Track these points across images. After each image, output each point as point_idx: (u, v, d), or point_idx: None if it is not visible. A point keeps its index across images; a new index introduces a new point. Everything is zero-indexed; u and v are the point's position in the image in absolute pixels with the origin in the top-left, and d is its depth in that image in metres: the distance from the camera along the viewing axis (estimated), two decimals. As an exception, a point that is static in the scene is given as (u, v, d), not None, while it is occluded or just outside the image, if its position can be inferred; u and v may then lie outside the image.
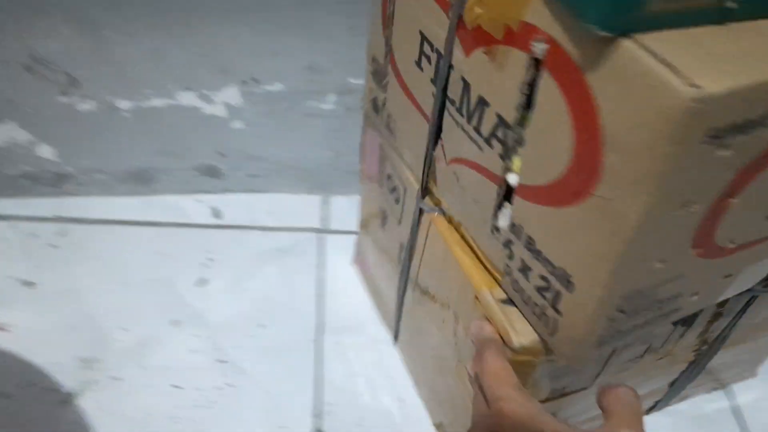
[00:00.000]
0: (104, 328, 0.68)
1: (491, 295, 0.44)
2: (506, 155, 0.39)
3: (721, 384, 0.69)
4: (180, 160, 0.78)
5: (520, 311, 0.43)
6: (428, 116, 0.46)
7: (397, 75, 0.49)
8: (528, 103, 0.35)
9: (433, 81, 0.44)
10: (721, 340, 0.56)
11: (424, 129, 0.47)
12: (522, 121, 0.37)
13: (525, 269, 0.41)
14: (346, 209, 0.81)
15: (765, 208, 0.37)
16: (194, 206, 0.80)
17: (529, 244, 0.39)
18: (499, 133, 0.39)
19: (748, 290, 0.46)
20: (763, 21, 0.32)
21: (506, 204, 0.41)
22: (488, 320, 0.44)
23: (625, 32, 0.29)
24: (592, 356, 0.41)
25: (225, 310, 0.71)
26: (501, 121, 0.38)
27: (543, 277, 0.39)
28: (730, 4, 0.30)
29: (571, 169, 0.34)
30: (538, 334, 0.42)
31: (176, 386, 0.65)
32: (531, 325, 0.42)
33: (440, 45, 0.41)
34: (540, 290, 0.40)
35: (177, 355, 0.67)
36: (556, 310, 0.39)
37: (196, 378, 0.65)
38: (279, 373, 0.66)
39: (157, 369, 0.66)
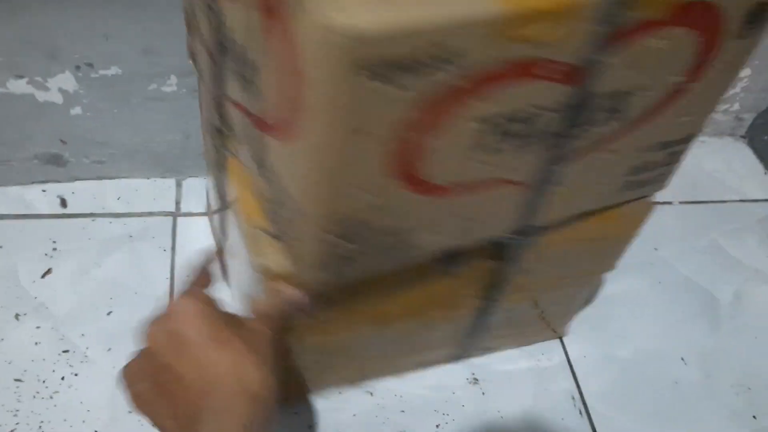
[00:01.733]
0: None
1: (248, 221, 0.48)
2: (247, 90, 0.41)
3: (528, 340, 0.72)
4: (19, 149, 0.76)
5: (279, 241, 0.46)
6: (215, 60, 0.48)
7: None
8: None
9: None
10: (498, 288, 0.58)
11: (212, 72, 0.49)
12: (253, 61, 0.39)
13: (275, 201, 0.44)
14: (200, 191, 0.81)
15: (478, 150, 0.40)
16: (40, 196, 0.78)
17: (274, 176, 0.42)
18: (244, 70, 0.41)
19: (507, 238, 0.51)
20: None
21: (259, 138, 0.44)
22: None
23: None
24: (324, 279, 0.45)
25: (70, 299, 0.70)
26: (243, 56, 0.41)
27: (282, 206, 0.42)
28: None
29: (284, 104, 0.37)
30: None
31: (18, 380, 0.63)
32: (281, 253, 0.46)
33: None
34: (285, 221, 0.43)
35: (19, 349, 0.66)
36: (292, 237, 0.43)
37: (38, 370, 0.64)
38: (127, 359, 0.66)
39: (1, 363, 0.64)
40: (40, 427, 0.61)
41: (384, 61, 0.31)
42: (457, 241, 0.48)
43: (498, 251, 0.54)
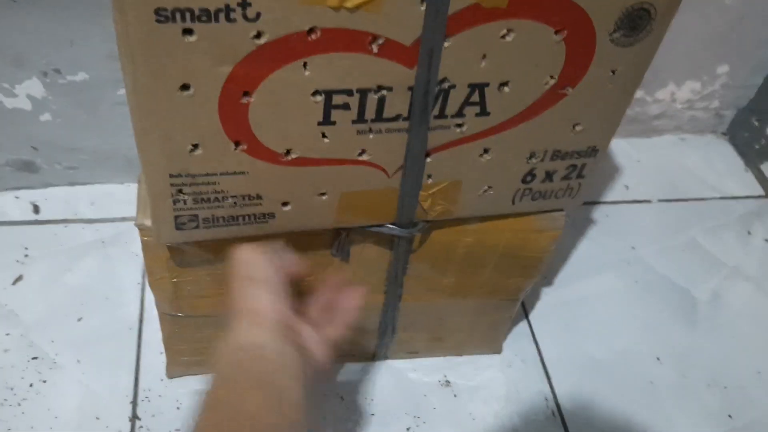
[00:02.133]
0: None
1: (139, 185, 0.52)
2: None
3: (459, 351, 0.72)
4: (-10, 155, 0.76)
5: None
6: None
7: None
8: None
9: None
10: (397, 283, 0.59)
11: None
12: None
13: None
14: (174, 196, 0.80)
15: (327, 126, 0.42)
16: (12, 203, 0.78)
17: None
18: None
19: (386, 228, 0.51)
20: None
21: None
22: None
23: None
24: (177, 237, 0.47)
25: (40, 306, 0.70)
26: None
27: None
28: None
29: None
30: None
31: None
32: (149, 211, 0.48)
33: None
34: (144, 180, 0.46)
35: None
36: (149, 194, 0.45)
37: (6, 377, 0.64)
38: (96, 364, 0.66)
39: None
40: (7, 434, 0.61)
41: (174, 5, 0.34)
42: (323, 223, 0.49)
43: (388, 243, 0.55)
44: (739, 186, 0.95)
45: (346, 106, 0.41)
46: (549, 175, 0.50)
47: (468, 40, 0.40)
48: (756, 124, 0.97)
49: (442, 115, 0.43)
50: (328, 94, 0.40)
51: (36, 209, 0.78)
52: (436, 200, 0.50)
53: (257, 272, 0.44)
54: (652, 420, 0.69)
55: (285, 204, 0.47)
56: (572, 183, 0.52)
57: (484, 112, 0.44)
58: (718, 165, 0.98)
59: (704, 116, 0.99)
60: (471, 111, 0.44)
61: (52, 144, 0.76)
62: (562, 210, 0.56)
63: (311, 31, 0.37)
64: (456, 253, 0.58)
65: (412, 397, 0.68)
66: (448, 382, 0.70)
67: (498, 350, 0.73)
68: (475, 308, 0.66)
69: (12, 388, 0.63)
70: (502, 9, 0.38)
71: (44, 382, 0.64)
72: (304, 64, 0.38)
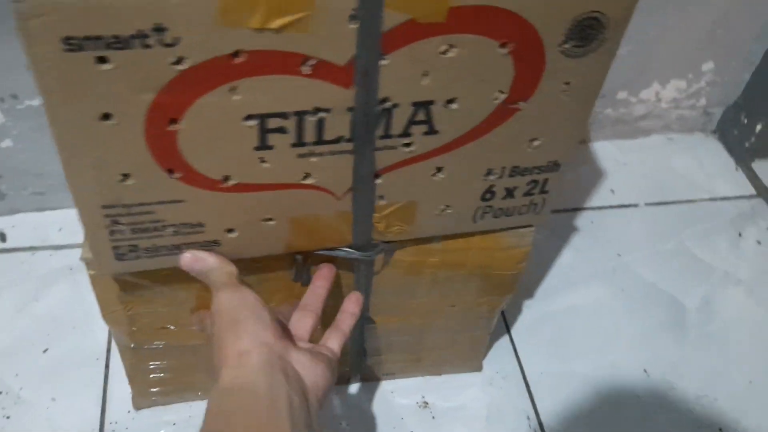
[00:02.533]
0: None
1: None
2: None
3: (438, 370, 0.70)
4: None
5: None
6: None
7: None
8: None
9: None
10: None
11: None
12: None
13: None
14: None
15: (265, 150, 0.40)
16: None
17: None
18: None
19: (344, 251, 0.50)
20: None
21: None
22: None
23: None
24: (119, 268, 0.45)
25: (6, 337, 0.68)
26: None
27: None
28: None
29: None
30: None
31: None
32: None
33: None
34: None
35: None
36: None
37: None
38: (63, 396, 0.64)
39: None
40: (-31, 473, 0.59)
41: (82, 33, 0.32)
42: (273, 248, 0.47)
43: (350, 266, 0.53)
44: (730, 186, 0.93)
45: (282, 130, 0.39)
46: (510, 192, 0.48)
47: (407, 58, 0.37)
48: (745, 121, 0.94)
49: (387, 135, 0.41)
50: (262, 118, 0.38)
51: (2, 237, 0.76)
52: (392, 221, 0.48)
53: (238, 313, 0.43)
54: (641, 436, 0.67)
55: (230, 231, 0.45)
56: (535, 198, 0.50)
57: (432, 131, 0.42)
58: (707, 165, 0.95)
59: (692, 115, 0.97)
60: (418, 130, 0.42)
61: (16, 170, 0.74)
62: (530, 226, 0.53)
63: (236, 54, 0.35)
64: (423, 273, 0.55)
65: (388, 420, 0.66)
66: (426, 403, 0.68)
67: (478, 368, 0.71)
68: (450, 327, 0.64)
69: (-26, 425, 0.62)
70: (440, 24, 0.36)
71: (8, 418, 0.63)
72: (232, 89, 0.36)
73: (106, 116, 0.36)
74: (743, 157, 0.95)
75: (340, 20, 0.35)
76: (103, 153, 0.38)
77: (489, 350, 0.71)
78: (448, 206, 0.48)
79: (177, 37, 0.33)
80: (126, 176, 0.39)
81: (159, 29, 0.33)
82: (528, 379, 0.70)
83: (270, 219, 0.45)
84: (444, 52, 0.38)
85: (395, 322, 0.61)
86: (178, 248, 0.45)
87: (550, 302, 0.77)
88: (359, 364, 0.66)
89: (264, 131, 0.39)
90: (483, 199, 0.48)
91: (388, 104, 0.40)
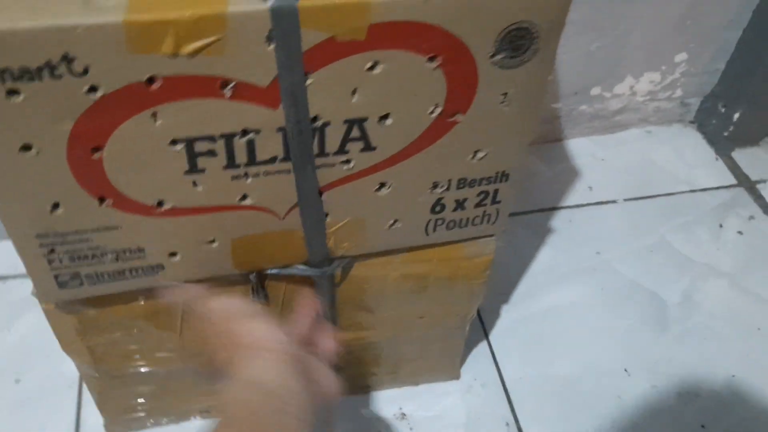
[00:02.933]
0: None
1: None
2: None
3: (415, 380, 0.69)
4: None
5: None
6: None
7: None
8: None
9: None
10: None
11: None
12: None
13: None
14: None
15: (197, 174, 0.40)
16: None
17: None
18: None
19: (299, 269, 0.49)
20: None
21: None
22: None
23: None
24: (64, 296, 0.45)
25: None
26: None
27: None
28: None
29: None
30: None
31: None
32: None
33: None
34: None
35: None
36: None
37: None
38: (35, 427, 0.64)
39: None
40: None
41: None
42: (221, 270, 0.47)
43: (310, 282, 0.52)
44: (710, 176, 0.91)
45: (212, 153, 0.39)
46: (460, 204, 0.47)
47: (332, 76, 0.37)
48: (722, 110, 0.93)
49: (323, 153, 0.41)
50: (189, 142, 0.38)
51: (-26, 266, 0.76)
52: (341, 238, 0.47)
53: (245, 307, 0.41)
54: (622, 436, 0.66)
55: (172, 254, 0.44)
56: (488, 209, 0.49)
57: (369, 147, 0.41)
58: (687, 156, 0.94)
59: (669, 106, 0.95)
60: (355, 147, 0.41)
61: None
62: (491, 235, 0.53)
63: (151, 80, 0.34)
64: (386, 287, 0.55)
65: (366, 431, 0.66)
66: (404, 414, 0.67)
67: (456, 376, 0.70)
68: (422, 338, 0.63)
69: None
70: (360, 41, 0.35)
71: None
72: (153, 114, 0.36)
73: (26, 147, 0.36)
74: (723, 147, 0.94)
75: (256, 42, 0.34)
76: (29, 183, 0.38)
77: (467, 357, 0.71)
78: (396, 220, 0.47)
79: (87, 66, 0.33)
80: (56, 206, 0.39)
81: (67, 59, 0.32)
82: (507, 384, 0.69)
83: (213, 241, 0.44)
84: (370, 69, 0.37)
85: (365, 337, 0.60)
86: (122, 274, 0.44)
87: (529, 304, 0.76)
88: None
89: (193, 155, 0.39)
90: (433, 211, 0.47)
91: (319, 123, 0.39)
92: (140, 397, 0.60)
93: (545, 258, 0.81)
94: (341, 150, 0.41)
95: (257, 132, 0.38)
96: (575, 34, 0.81)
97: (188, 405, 0.64)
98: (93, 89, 0.34)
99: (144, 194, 0.40)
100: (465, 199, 0.47)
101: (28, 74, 0.33)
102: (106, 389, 0.58)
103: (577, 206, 0.87)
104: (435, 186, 0.45)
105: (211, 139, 0.38)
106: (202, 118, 0.37)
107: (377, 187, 0.44)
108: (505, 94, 0.41)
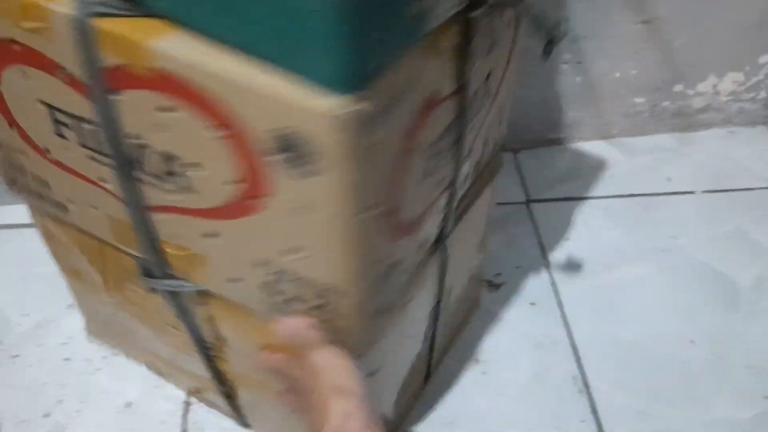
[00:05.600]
0: (8, 315, 0.77)
1: None
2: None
3: None
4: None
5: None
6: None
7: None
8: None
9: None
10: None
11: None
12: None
13: None
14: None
15: (36, 121, 0.44)
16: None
17: None
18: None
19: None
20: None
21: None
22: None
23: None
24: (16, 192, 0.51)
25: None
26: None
27: None
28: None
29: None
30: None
31: (67, 359, 0.73)
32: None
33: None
34: None
35: (70, 333, 0.75)
36: None
37: (84, 350, 0.74)
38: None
39: (52, 346, 0.74)
40: (83, 397, 0.69)
41: None
42: (105, 235, 0.51)
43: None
44: (791, 176, 0.94)
45: (68, 126, 0.43)
46: (298, 299, 0.43)
47: (137, 102, 0.37)
48: (807, 113, 0.95)
49: (147, 171, 0.41)
50: (51, 109, 0.42)
51: None
52: (184, 266, 0.47)
53: (344, 381, 0.40)
54: (684, 398, 0.70)
55: (69, 201, 0.50)
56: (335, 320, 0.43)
57: (191, 190, 0.40)
58: (767, 155, 0.97)
59: (752, 108, 0.98)
60: (179, 181, 0.40)
61: None
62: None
63: (13, 41, 0.39)
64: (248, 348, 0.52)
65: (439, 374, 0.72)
66: (477, 360, 0.73)
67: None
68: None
69: (89, 360, 0.73)
70: (154, 79, 0.35)
71: (116, 355, 0.73)
72: (24, 73, 0.41)
73: None
74: (807, 149, 0.96)
75: (71, 42, 0.37)
76: None
77: (538, 318, 0.77)
78: (238, 278, 0.45)
79: None
80: None
81: None
82: (575, 343, 0.75)
83: (94, 206, 0.48)
84: (165, 111, 0.37)
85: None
86: (40, 197, 0.51)
87: (600, 276, 0.81)
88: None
89: (56, 121, 0.43)
90: (267, 292, 0.44)
91: (137, 141, 0.40)
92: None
93: (620, 238, 0.86)
94: (163, 176, 0.41)
95: (92, 123, 0.41)
96: (659, 29, 0.86)
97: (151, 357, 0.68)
98: None
99: (35, 136, 0.45)
100: (299, 297, 0.43)
101: None
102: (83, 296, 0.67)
103: (655, 194, 0.91)
104: (264, 264, 0.42)
105: (66, 114, 0.42)
106: (53, 92, 0.41)
107: (210, 233, 0.43)
108: (295, 205, 0.37)
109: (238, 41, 0.33)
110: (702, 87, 0.94)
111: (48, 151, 0.45)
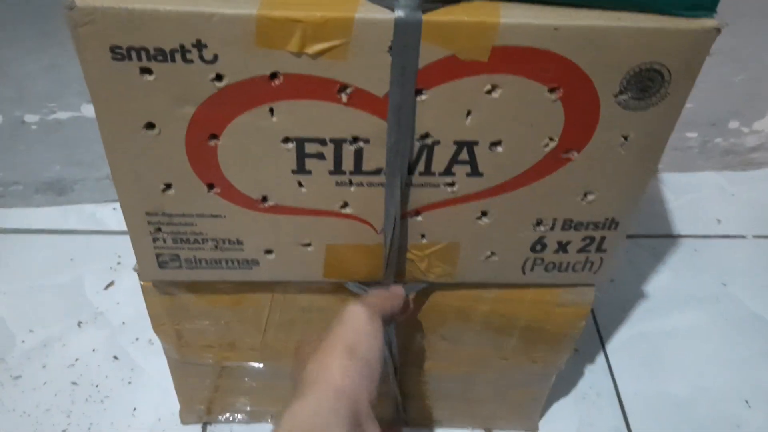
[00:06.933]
0: (12, 330, 0.72)
1: None
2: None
3: (487, 423, 0.67)
4: (93, 169, 0.81)
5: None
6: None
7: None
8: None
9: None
10: (398, 347, 0.55)
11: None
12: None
13: None
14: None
15: (303, 175, 0.41)
16: (111, 214, 0.84)
17: None
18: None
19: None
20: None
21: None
22: None
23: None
24: (161, 275, 0.47)
25: (128, 310, 0.74)
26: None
27: None
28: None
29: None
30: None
31: (74, 383, 0.68)
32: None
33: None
34: None
35: (78, 354, 0.70)
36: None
37: (93, 375, 0.68)
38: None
39: (57, 367, 0.69)
40: (89, 428, 0.64)
41: (126, 43, 0.34)
42: (311, 275, 0.47)
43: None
44: None
45: (320, 156, 0.40)
46: (562, 246, 0.46)
47: (448, 94, 0.37)
48: None
49: (429, 171, 0.41)
50: (300, 142, 0.39)
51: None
52: (434, 262, 0.47)
53: (361, 346, 0.41)
54: (739, 467, 0.65)
55: (268, 252, 0.45)
56: (592, 257, 0.47)
57: (476, 173, 0.41)
58: (822, 201, 0.92)
59: (809, 150, 0.93)
60: (461, 170, 0.41)
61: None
62: (591, 284, 0.50)
63: (274, 76, 0.36)
64: (471, 320, 0.53)
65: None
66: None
67: (534, 428, 0.67)
68: (501, 381, 0.61)
69: (96, 386, 0.67)
70: (483, 63, 0.35)
71: (125, 381, 0.68)
72: (271, 110, 0.37)
73: (149, 125, 0.38)
74: None
75: (377, 51, 0.35)
76: (147, 161, 0.40)
77: (583, 368, 0.71)
78: (493, 253, 0.46)
79: (216, 54, 0.35)
80: (168, 186, 0.41)
81: (199, 45, 0.34)
82: (622, 398, 0.69)
83: (309, 244, 0.45)
84: (488, 92, 0.37)
85: (441, 369, 0.59)
86: (219, 263, 0.46)
87: (648, 323, 0.76)
88: (402, 408, 0.64)
89: (302, 155, 0.40)
90: (533, 250, 0.46)
91: (428, 140, 0.39)
92: (217, 390, 0.62)
93: (667, 282, 0.81)
94: (447, 171, 0.41)
95: (366, 141, 0.39)
96: (718, 63, 0.81)
97: (263, 407, 0.64)
98: (219, 77, 0.36)
99: (251, 187, 0.41)
100: (568, 242, 0.46)
101: (162, 55, 0.35)
102: (185, 375, 0.60)
103: (704, 236, 0.86)
104: (539, 223, 0.44)
105: (322, 141, 0.39)
106: (317, 120, 0.38)
107: (479, 215, 0.44)
108: (626, 137, 0.39)
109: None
110: (758, 125, 0.89)
111: (265, 199, 0.42)
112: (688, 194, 0.91)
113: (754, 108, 0.88)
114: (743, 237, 0.86)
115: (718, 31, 0.36)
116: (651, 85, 0.37)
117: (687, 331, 0.75)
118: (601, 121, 0.39)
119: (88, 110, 0.75)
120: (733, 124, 0.89)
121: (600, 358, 0.73)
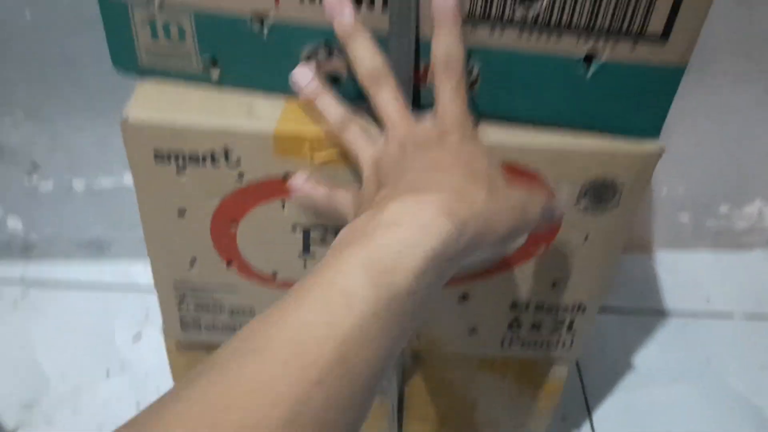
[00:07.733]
0: (46, 375, 0.79)
1: None
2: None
3: None
4: (131, 230, 0.90)
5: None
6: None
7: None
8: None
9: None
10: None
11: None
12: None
13: None
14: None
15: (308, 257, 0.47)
16: (142, 271, 0.92)
17: None
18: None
19: None
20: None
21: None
22: None
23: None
24: (183, 337, 0.54)
25: (154, 361, 0.80)
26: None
27: None
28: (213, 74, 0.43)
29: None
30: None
31: (100, 427, 0.74)
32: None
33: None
34: None
35: (106, 402, 0.77)
36: None
37: (118, 420, 0.74)
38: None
39: (87, 414, 0.76)
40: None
41: (166, 149, 0.42)
42: None
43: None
44: (834, 307, 0.92)
45: (324, 241, 0.47)
46: (536, 326, 0.53)
47: None
48: None
49: None
50: (306, 230, 0.46)
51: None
52: (422, 339, 0.54)
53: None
54: None
55: None
56: (564, 337, 0.54)
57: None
58: (811, 284, 0.96)
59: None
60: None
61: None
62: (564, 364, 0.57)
63: (286, 176, 0.43)
64: (440, 387, 0.60)
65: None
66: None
67: None
68: None
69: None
70: None
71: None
72: (283, 203, 0.45)
73: (182, 212, 0.46)
74: None
75: None
76: (178, 240, 0.47)
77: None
78: (474, 329, 0.53)
79: (240, 158, 0.42)
80: (194, 261, 0.49)
81: (226, 151, 0.42)
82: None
83: None
84: None
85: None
86: (233, 329, 0.52)
87: (633, 396, 0.80)
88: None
89: (307, 240, 0.47)
90: (510, 328, 0.53)
91: None
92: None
93: (653, 356, 0.85)
94: None
95: None
96: (707, 148, 0.87)
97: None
98: (241, 176, 0.43)
99: (263, 265, 0.49)
100: (541, 323, 0.53)
101: (195, 159, 0.42)
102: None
103: (692, 315, 0.91)
104: (513, 305, 0.51)
105: (325, 228, 0.46)
106: (319, 212, 0.45)
107: (460, 297, 0.50)
108: (587, 236, 0.46)
109: (550, 117, 0.42)
110: (748, 209, 0.95)
111: (275, 274, 0.49)
112: (679, 273, 0.96)
113: (743, 193, 0.93)
114: (731, 317, 0.91)
115: (660, 154, 0.42)
116: (605, 194, 0.44)
117: (671, 405, 0.80)
118: (564, 224, 0.46)
119: (129, 179, 0.84)
120: (724, 208, 0.94)
121: (586, 427, 0.77)
